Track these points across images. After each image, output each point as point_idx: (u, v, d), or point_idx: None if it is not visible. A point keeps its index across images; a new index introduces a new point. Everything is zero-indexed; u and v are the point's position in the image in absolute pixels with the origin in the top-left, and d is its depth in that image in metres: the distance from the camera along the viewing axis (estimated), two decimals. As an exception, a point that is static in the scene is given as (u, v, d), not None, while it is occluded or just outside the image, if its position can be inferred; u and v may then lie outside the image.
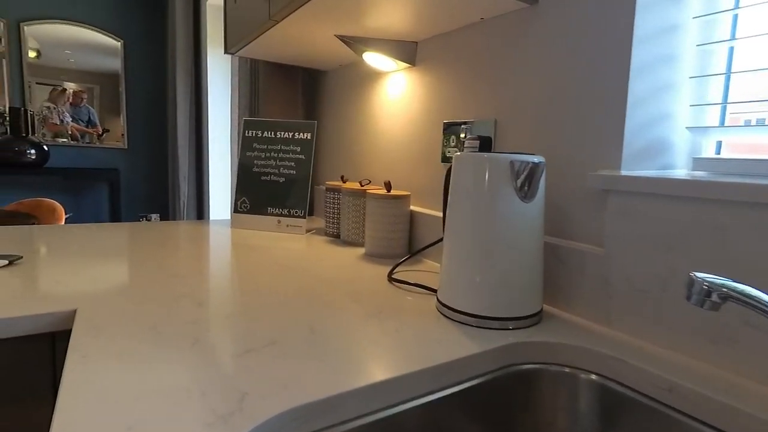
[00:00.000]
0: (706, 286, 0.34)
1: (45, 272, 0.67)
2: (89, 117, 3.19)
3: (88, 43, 3.16)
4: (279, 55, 1.16)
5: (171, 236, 0.98)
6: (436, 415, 0.43)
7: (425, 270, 0.81)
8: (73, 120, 3.16)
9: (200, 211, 3.27)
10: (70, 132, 3.13)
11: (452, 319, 0.56)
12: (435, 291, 0.67)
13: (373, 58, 0.96)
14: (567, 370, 0.48)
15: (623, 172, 0.55)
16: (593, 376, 0.47)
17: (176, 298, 0.59)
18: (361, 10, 0.75)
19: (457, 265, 0.57)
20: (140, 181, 3.44)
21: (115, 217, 3.13)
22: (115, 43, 3.23)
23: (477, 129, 0.79)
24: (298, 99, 1.35)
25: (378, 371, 0.41)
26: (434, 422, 0.43)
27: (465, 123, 0.81)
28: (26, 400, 0.53)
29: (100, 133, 3.22)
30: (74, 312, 0.53)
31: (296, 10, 0.77)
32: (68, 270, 0.69)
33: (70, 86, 3.13)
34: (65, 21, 3.08)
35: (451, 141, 0.85)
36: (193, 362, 0.41)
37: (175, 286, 0.64)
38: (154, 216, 3.51)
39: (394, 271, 0.79)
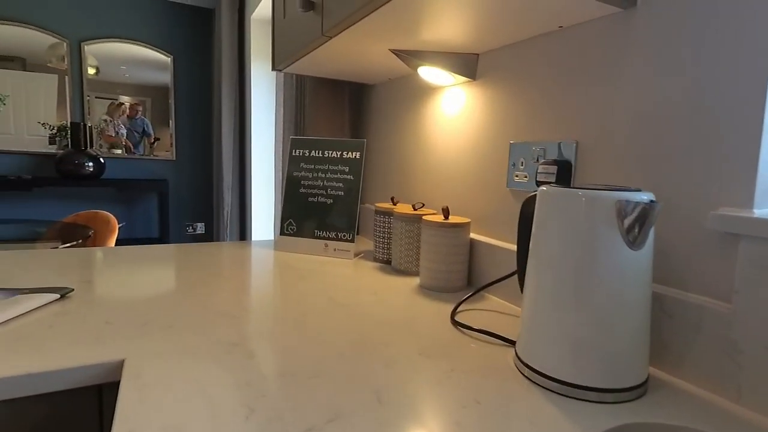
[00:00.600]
0: None
1: (95, 309, 0.64)
2: (144, 128, 3.33)
3: (142, 59, 3.30)
4: (327, 71, 1.11)
5: (217, 263, 0.95)
6: None
7: (490, 309, 0.73)
8: (129, 131, 3.29)
9: (243, 221, 3.32)
10: (124, 143, 3.27)
11: (536, 383, 0.48)
12: (510, 342, 0.59)
13: (429, 72, 0.89)
14: (698, 466, 0.39)
15: (757, 212, 0.45)
16: (737, 481, 0.37)
17: (226, 347, 0.54)
18: (420, 24, 0.69)
19: (544, 320, 0.48)
20: (187, 191, 3.54)
21: (164, 226, 3.23)
22: (166, 59, 3.35)
23: (552, 152, 0.70)
24: (344, 114, 1.30)
25: (466, 470, 0.34)
26: None
27: (537, 144, 0.72)
28: (70, 456, 0.50)
29: (152, 141, 3.35)
30: (122, 363, 0.49)
31: (351, 26, 0.71)
32: (117, 306, 0.66)
33: (126, 99, 3.27)
34: (121, 39, 3.22)
35: (519, 164, 0.76)
36: (248, 447, 0.35)
37: (225, 331, 0.59)
38: (199, 225, 3.60)
39: (457, 310, 0.71)
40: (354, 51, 0.89)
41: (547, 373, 0.47)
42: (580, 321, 0.46)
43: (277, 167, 1.99)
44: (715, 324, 0.47)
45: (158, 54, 3.34)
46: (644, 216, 0.43)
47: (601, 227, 0.44)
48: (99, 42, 3.16)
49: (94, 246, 2.21)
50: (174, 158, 3.45)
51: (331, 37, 0.79)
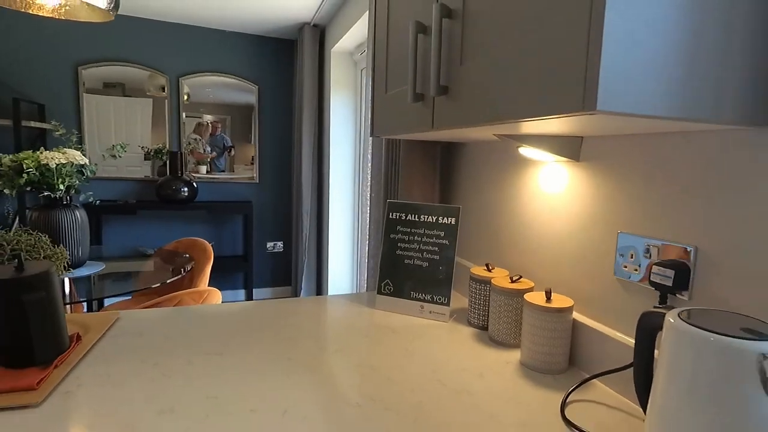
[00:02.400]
0: None
1: (240, 399, 0.74)
2: (223, 144, 3.62)
3: (227, 84, 3.59)
4: (424, 137, 1.18)
5: (318, 329, 1.04)
6: None
7: (598, 401, 0.74)
8: (211, 147, 3.61)
9: (319, 243, 3.49)
10: (209, 160, 3.59)
11: None
12: (629, 453, 0.60)
13: (530, 152, 0.92)
14: None
15: None
16: None
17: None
18: (530, 125, 0.72)
19: (675, 454, 0.50)
20: (268, 212, 3.79)
21: (248, 244, 3.50)
22: (249, 84, 3.62)
23: (667, 251, 0.70)
24: (435, 171, 1.36)
25: None
26: None
27: (650, 240, 0.73)
28: None
29: (231, 152, 3.62)
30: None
31: (462, 127, 0.76)
32: (253, 388, 0.76)
33: (208, 118, 3.58)
34: (213, 73, 3.54)
35: (628, 255, 0.76)
36: None
37: (359, 427, 0.66)
38: (278, 244, 3.84)
39: (567, 401, 0.73)
40: (458, 134, 0.94)
41: None
42: (715, 463, 0.47)
43: (362, 208, 2.09)
44: None
45: (235, 78, 3.60)
46: (790, 373, 0.44)
47: (739, 376, 0.45)
48: (194, 77, 3.50)
49: (194, 273, 2.45)
50: (257, 181, 3.73)
51: (439, 129, 0.84)
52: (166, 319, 1.03)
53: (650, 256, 0.73)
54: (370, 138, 1.77)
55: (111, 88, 3.35)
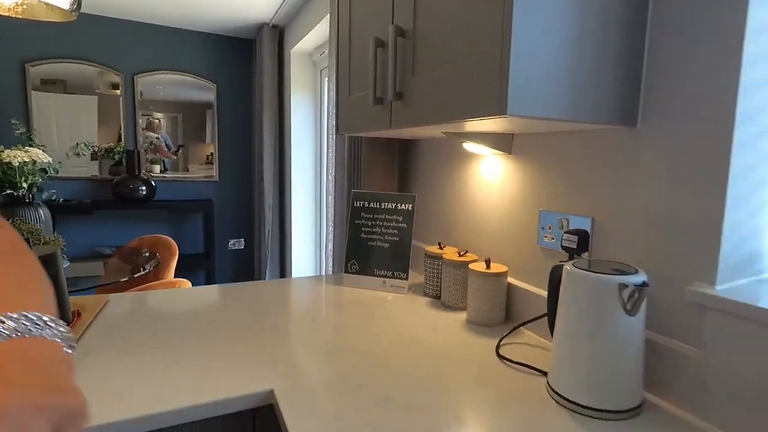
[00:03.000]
0: None
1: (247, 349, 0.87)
2: (165, 142, 3.61)
3: (181, 82, 3.58)
4: (385, 136, 1.34)
5: (299, 303, 1.18)
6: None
7: (526, 343, 0.93)
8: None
9: (282, 236, 3.57)
10: (162, 159, 3.57)
11: (563, 407, 0.69)
12: (543, 372, 0.79)
13: (472, 147, 1.11)
14: (673, 465, 0.59)
15: (719, 288, 0.65)
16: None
17: (340, 380, 0.76)
18: (471, 125, 0.90)
19: (570, 364, 0.69)
20: (229, 210, 3.82)
21: (209, 243, 3.52)
22: (206, 82, 3.63)
23: (574, 222, 0.90)
24: (394, 164, 1.52)
25: (522, 463, 0.55)
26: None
27: (562, 215, 0.93)
28: (241, 452, 0.72)
29: (176, 151, 3.58)
30: (272, 391, 0.72)
31: (415, 126, 0.93)
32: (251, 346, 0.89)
33: (159, 116, 3.56)
34: (170, 71, 3.53)
35: (547, 228, 0.96)
36: (385, 447, 0.57)
37: (336, 368, 0.81)
38: (239, 241, 3.88)
39: (501, 344, 0.92)
40: (412, 132, 1.11)
41: (570, 398, 0.68)
42: (593, 363, 0.66)
43: (324, 202, 2.22)
44: (691, 367, 0.67)
45: (192, 76, 3.59)
46: (637, 295, 0.63)
47: (607, 300, 0.65)
48: (149, 74, 3.47)
49: (159, 270, 2.48)
50: (217, 179, 3.75)
51: (396, 128, 1.01)
52: (152, 300, 1.13)
53: (562, 227, 0.93)
54: (333, 135, 1.91)
55: (50, 84, 3.24)
